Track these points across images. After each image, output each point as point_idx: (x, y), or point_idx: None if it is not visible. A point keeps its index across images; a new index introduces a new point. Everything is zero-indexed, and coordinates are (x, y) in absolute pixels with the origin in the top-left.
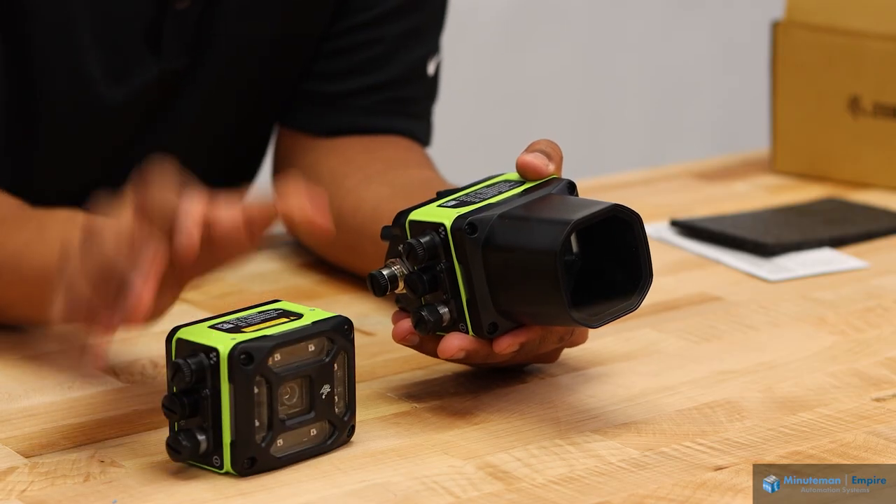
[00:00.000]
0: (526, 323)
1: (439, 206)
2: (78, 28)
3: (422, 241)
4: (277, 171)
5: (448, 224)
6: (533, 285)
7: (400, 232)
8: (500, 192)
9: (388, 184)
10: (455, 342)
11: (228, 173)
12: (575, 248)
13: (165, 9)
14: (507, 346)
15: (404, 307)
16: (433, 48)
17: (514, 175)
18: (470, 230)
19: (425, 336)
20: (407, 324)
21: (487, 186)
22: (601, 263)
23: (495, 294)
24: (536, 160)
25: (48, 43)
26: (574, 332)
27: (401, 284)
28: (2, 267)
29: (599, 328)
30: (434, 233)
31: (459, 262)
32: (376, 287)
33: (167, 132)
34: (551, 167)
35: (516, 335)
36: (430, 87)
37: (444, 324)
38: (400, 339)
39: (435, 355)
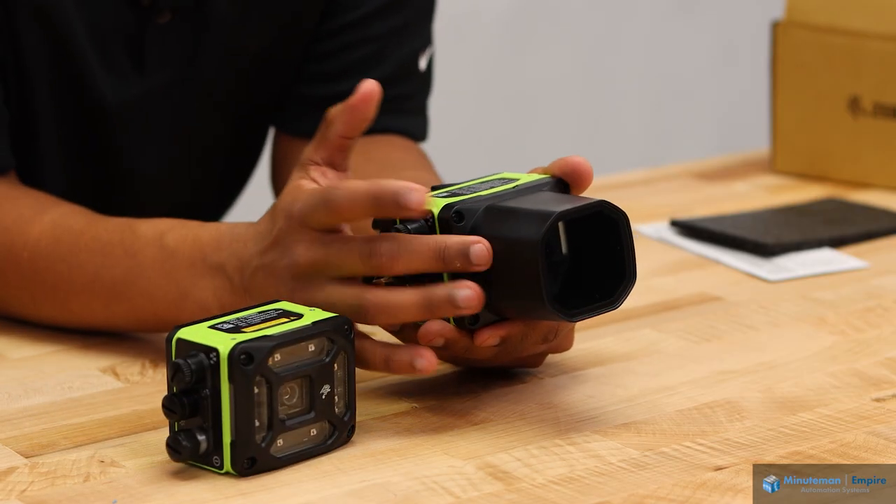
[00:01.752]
0: (508, 317)
1: (431, 196)
2: (76, 35)
3: (409, 227)
4: (276, 175)
5: (436, 212)
6: (515, 275)
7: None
8: (492, 187)
9: None
10: (435, 327)
11: (223, 179)
12: (563, 249)
13: (146, 23)
14: (487, 338)
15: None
16: (424, 42)
17: (508, 174)
18: (457, 219)
19: (407, 325)
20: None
21: (480, 182)
22: (588, 264)
23: (478, 284)
24: (585, 161)
25: (46, 48)
26: (558, 333)
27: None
28: (92, 291)
29: (596, 331)
30: (423, 222)
31: None
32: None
33: (163, 139)
34: (591, 176)
35: (497, 328)
36: (423, 82)
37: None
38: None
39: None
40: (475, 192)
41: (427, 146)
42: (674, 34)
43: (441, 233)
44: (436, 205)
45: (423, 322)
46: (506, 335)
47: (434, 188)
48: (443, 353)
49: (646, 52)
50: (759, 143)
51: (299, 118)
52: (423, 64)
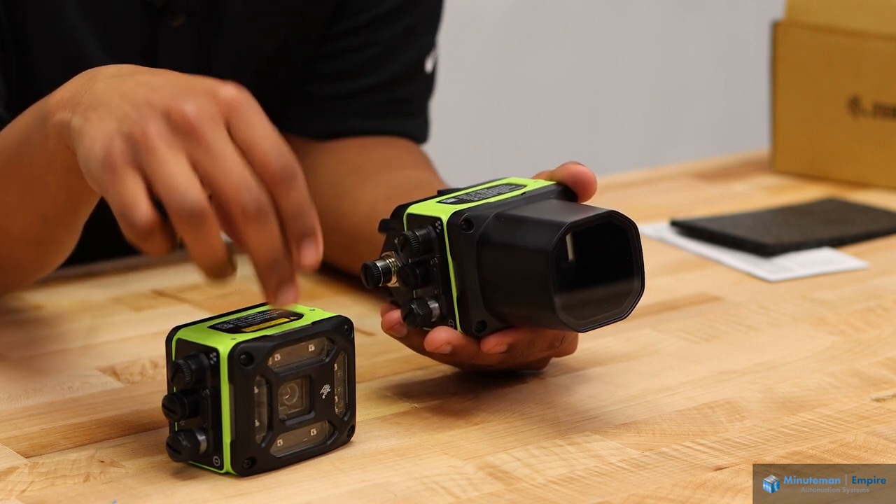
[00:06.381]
0: (515, 324)
1: (438, 202)
2: (87, 42)
3: (418, 234)
4: None
5: (445, 219)
6: (523, 285)
7: (397, 225)
8: (500, 194)
9: (384, 185)
10: (442, 335)
11: None
12: (570, 256)
13: (159, 27)
14: (494, 345)
15: (395, 301)
16: (430, 45)
17: (516, 179)
18: (466, 226)
19: (413, 329)
20: (396, 314)
21: (488, 188)
22: (596, 272)
23: (486, 292)
24: (590, 172)
25: (54, 53)
26: (564, 340)
27: (394, 278)
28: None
29: (596, 331)
30: (430, 227)
31: (453, 258)
32: (369, 278)
33: None
34: (596, 185)
35: (504, 335)
36: (427, 84)
37: (433, 318)
38: (388, 328)
39: (422, 349)
40: (483, 198)
41: (427, 146)
42: (674, 34)
43: (449, 239)
44: (445, 211)
45: (430, 329)
46: (513, 342)
47: (440, 192)
48: (449, 358)
49: (646, 52)
50: (759, 143)
51: (302, 118)
52: (428, 67)
